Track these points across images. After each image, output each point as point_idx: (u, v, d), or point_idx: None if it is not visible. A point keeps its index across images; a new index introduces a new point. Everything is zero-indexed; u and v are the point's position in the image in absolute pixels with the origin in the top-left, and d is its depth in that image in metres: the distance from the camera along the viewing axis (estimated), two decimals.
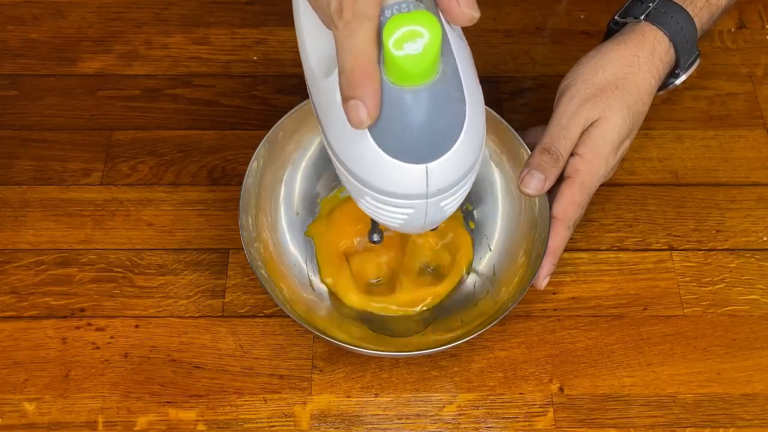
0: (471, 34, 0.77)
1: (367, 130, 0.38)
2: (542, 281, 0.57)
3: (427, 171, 0.39)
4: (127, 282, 0.62)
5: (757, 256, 0.64)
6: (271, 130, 0.59)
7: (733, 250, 0.64)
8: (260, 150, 0.58)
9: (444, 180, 0.40)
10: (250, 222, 0.57)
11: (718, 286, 0.62)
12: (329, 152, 0.44)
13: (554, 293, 0.62)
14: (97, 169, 0.67)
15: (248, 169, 0.57)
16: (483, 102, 0.42)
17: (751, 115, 0.71)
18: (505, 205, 0.62)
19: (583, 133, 0.57)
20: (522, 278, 0.57)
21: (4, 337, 0.59)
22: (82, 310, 0.60)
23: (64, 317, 0.60)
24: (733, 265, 0.63)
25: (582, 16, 0.78)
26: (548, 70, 0.74)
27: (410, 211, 0.42)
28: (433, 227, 0.47)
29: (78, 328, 0.60)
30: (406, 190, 0.41)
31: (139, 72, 0.73)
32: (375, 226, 0.54)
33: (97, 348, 0.59)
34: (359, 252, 0.61)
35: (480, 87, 0.42)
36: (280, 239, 0.61)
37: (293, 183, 0.62)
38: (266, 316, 0.60)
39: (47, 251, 0.63)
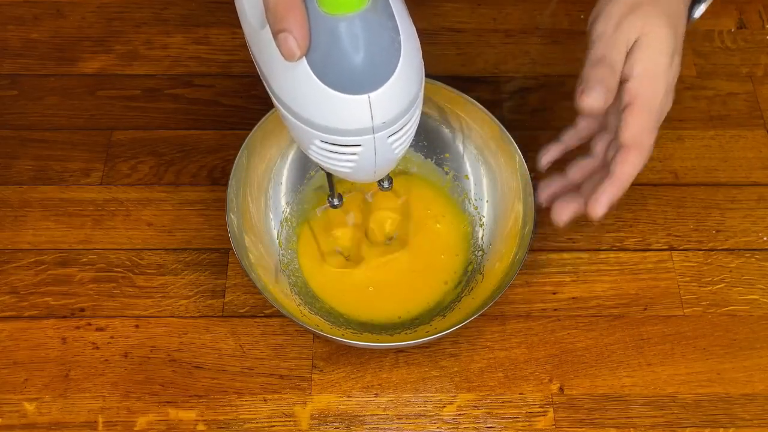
0: (471, 34, 0.77)
1: (308, 65, 0.40)
2: (600, 208, 0.51)
3: (369, 101, 0.40)
4: (127, 282, 0.62)
5: (757, 256, 0.64)
6: (252, 130, 0.59)
7: (733, 250, 0.64)
8: (244, 149, 0.59)
9: (388, 111, 0.41)
10: (236, 223, 0.57)
11: (718, 286, 0.62)
12: (277, 105, 0.44)
13: (554, 293, 0.62)
14: (97, 169, 0.67)
15: (232, 171, 0.58)
16: (417, 37, 0.43)
17: (751, 115, 0.71)
18: (494, 203, 0.62)
19: (627, 55, 0.51)
20: (508, 274, 0.56)
21: (4, 337, 0.59)
22: (82, 310, 0.60)
23: (64, 317, 0.60)
24: (733, 265, 0.63)
25: (582, 16, 0.78)
26: (548, 70, 0.74)
27: (359, 149, 0.43)
28: (386, 173, 0.48)
29: (78, 328, 0.60)
30: (352, 125, 0.42)
31: (139, 72, 0.73)
32: (332, 189, 0.55)
33: (97, 348, 0.59)
34: (323, 231, 0.63)
35: (413, 24, 0.43)
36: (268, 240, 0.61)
37: (280, 180, 0.63)
38: (266, 316, 0.60)
39: (47, 251, 0.63)
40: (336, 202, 0.56)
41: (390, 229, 0.63)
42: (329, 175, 0.54)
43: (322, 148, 0.44)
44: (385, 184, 0.56)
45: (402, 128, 0.44)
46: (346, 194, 0.60)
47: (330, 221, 0.63)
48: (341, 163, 0.45)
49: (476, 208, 0.63)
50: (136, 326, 0.60)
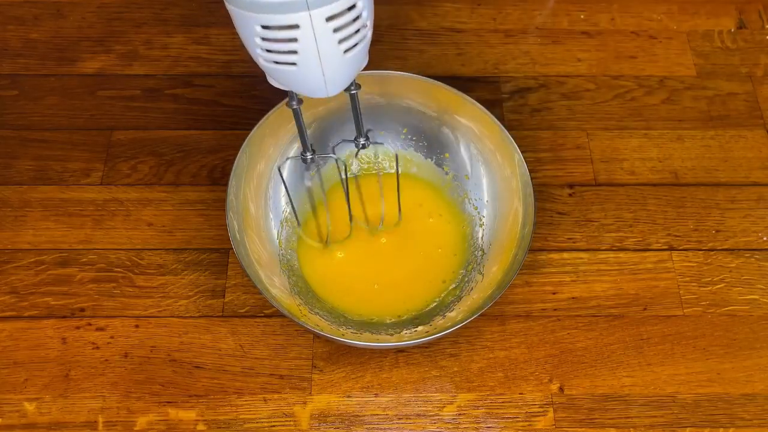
0: (471, 33, 0.78)
1: None
2: None
3: None
4: (127, 282, 0.62)
5: (757, 256, 0.64)
6: (255, 127, 0.60)
7: (733, 250, 0.64)
8: (244, 149, 0.59)
9: None
10: (236, 224, 0.57)
11: (717, 286, 0.62)
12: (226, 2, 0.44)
13: (554, 293, 0.62)
14: (97, 169, 0.67)
15: (232, 171, 0.58)
16: None
17: (751, 115, 0.71)
18: (494, 203, 0.62)
19: None
20: (508, 274, 0.56)
21: (4, 337, 0.59)
22: (82, 310, 0.60)
23: (64, 317, 0.60)
24: (733, 265, 0.63)
25: (582, 16, 0.78)
26: (548, 70, 0.74)
27: (298, 33, 0.43)
28: (340, 83, 0.47)
29: (78, 328, 0.60)
30: None
31: (139, 72, 0.73)
32: (304, 140, 0.54)
33: (97, 348, 0.59)
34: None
35: None
36: (269, 239, 0.61)
37: (280, 179, 0.63)
38: (266, 316, 0.60)
39: (47, 251, 0.63)
40: (309, 155, 0.55)
41: (378, 214, 0.63)
42: (299, 124, 0.53)
43: (265, 39, 0.43)
44: (362, 141, 0.55)
45: (343, 15, 0.43)
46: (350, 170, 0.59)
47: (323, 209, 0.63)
48: (285, 58, 0.44)
49: (476, 208, 0.63)
50: (136, 326, 0.60)
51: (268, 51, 0.45)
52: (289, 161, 0.62)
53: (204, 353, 0.59)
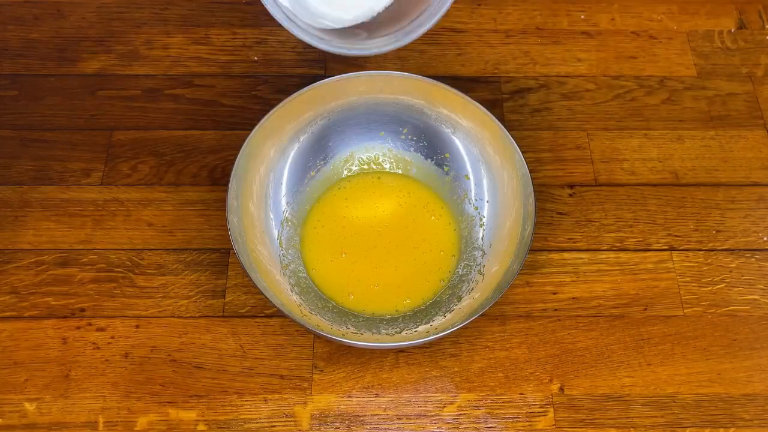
0: (471, 34, 0.78)
1: None
2: None
3: None
4: (127, 282, 0.62)
5: (757, 256, 0.64)
6: (255, 128, 0.60)
7: (733, 250, 0.64)
8: (244, 149, 0.59)
9: None
10: (237, 223, 0.57)
11: (718, 286, 0.62)
12: None
13: (554, 293, 0.62)
14: (97, 169, 0.67)
15: (233, 171, 0.58)
16: None
17: (751, 115, 0.71)
18: (494, 203, 0.62)
19: None
20: (508, 274, 0.56)
21: (4, 337, 0.59)
22: (83, 310, 0.60)
23: (65, 317, 0.60)
24: (733, 265, 0.63)
25: (582, 17, 0.78)
26: (548, 70, 0.74)
27: None
28: None
29: (78, 328, 0.60)
30: None
31: (140, 72, 0.73)
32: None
33: (98, 348, 0.59)
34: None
35: None
36: (269, 238, 0.62)
37: (280, 181, 0.63)
38: (266, 316, 0.60)
39: (47, 251, 0.63)
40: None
41: (384, 219, 0.63)
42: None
43: None
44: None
45: None
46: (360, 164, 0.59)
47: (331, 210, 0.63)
48: None
49: (476, 208, 0.63)
50: (137, 326, 0.60)
51: None
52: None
53: (204, 353, 0.59)
